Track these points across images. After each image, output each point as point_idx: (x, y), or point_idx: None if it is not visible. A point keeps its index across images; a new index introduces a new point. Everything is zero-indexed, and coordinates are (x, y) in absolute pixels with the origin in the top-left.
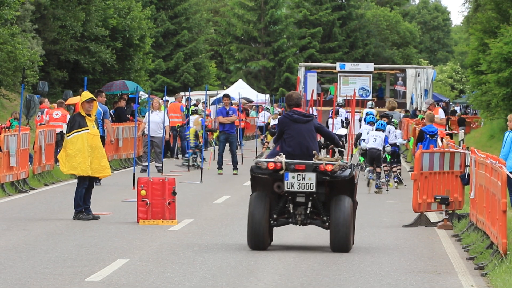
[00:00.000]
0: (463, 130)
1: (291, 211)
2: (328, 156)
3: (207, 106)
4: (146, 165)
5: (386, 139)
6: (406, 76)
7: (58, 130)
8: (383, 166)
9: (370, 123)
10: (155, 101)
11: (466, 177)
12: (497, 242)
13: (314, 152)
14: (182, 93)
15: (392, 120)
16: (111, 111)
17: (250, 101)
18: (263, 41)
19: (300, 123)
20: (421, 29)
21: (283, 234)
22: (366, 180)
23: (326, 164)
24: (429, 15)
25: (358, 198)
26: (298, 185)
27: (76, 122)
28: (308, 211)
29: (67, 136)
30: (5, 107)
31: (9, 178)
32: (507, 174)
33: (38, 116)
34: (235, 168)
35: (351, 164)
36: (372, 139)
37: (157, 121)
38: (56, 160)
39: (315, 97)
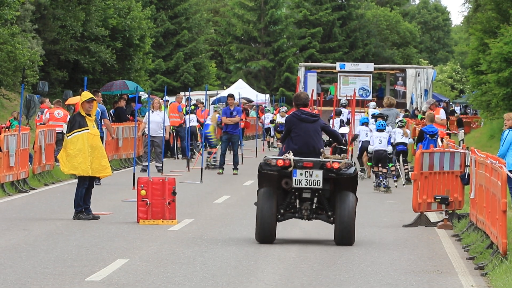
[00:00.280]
0: (462, 130)
1: (298, 206)
2: (329, 153)
3: (205, 107)
4: (146, 165)
5: (389, 139)
6: (406, 76)
7: (58, 130)
8: (391, 166)
9: (365, 123)
10: (156, 101)
11: (466, 177)
12: (497, 242)
13: (321, 150)
14: (182, 93)
15: (399, 119)
16: (111, 111)
17: (250, 101)
18: (263, 41)
19: (307, 122)
20: (421, 29)
21: (283, 234)
22: (375, 183)
23: (332, 162)
24: (429, 15)
25: (358, 198)
26: (306, 182)
27: (77, 122)
28: (313, 207)
29: (68, 136)
30: (5, 107)
31: (9, 178)
32: (507, 174)
33: (38, 116)
34: (235, 168)
35: (353, 162)
36: (378, 140)
37: (157, 121)
38: (56, 160)
39: (315, 97)
